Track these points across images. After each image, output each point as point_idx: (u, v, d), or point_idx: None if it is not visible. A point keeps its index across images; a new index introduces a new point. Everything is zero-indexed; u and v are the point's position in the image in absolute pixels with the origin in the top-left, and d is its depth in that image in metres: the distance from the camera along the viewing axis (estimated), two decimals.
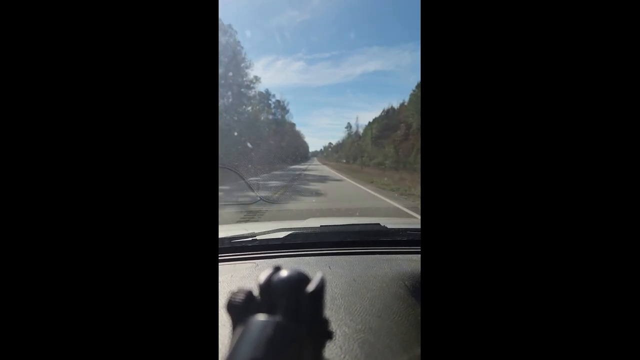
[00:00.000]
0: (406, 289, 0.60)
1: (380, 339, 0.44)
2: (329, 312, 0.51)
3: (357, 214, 4.90)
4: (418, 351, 0.41)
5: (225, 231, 0.95)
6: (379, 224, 1.01)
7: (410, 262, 0.75)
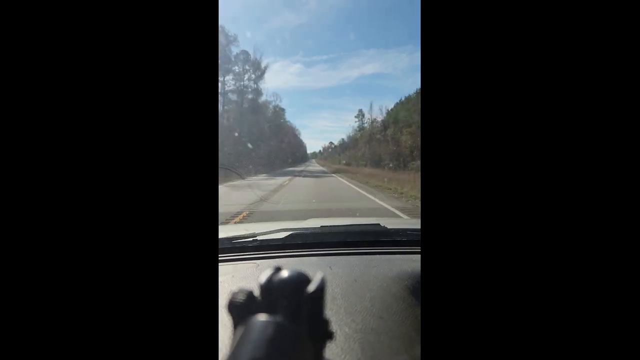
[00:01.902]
0: (406, 289, 0.60)
1: (380, 339, 0.44)
2: (330, 312, 0.51)
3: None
4: (418, 351, 0.41)
5: (225, 231, 0.95)
6: (379, 224, 1.01)
7: (410, 263, 0.75)
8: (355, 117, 46.54)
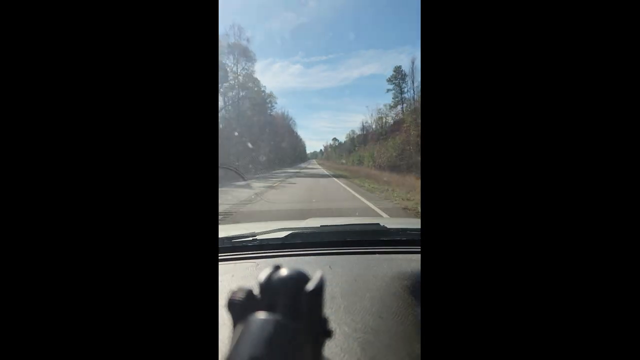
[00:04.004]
0: (406, 289, 0.60)
1: (380, 338, 0.44)
2: (329, 311, 0.51)
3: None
4: (418, 351, 0.41)
5: (225, 231, 0.95)
6: (378, 223, 1.01)
7: (410, 262, 0.75)
8: (388, 81, 26.84)
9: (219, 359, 0.32)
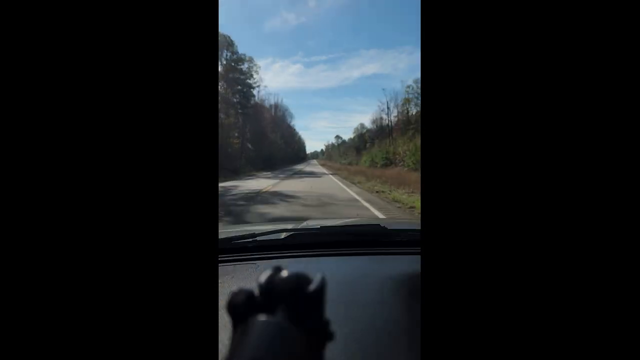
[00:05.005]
0: (406, 290, 0.60)
1: (380, 339, 0.44)
2: (329, 312, 0.51)
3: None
4: (418, 352, 0.41)
5: (225, 232, 0.95)
6: (378, 225, 1.01)
7: (410, 263, 0.75)
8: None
9: None
